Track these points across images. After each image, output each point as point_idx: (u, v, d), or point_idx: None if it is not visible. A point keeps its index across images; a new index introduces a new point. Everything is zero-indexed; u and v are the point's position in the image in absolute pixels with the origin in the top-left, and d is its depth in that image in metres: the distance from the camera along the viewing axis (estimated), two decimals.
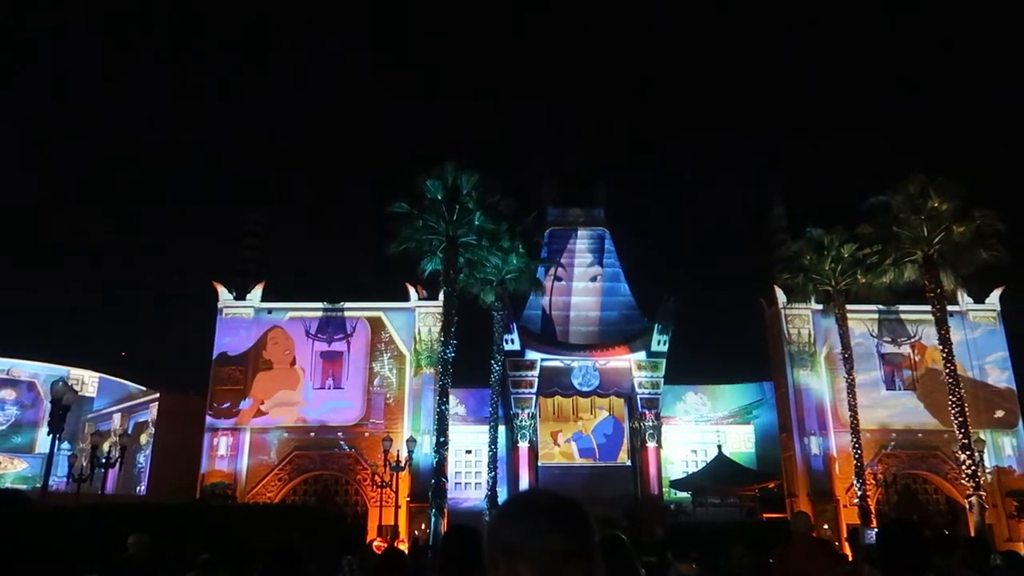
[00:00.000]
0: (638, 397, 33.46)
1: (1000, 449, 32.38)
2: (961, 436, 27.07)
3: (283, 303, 33.94)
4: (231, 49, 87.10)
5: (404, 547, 24.63)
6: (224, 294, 33.67)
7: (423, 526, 28.03)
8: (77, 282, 68.86)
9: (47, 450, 23.28)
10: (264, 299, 33.81)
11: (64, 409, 19.48)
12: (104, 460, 24.61)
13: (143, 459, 35.89)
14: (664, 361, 33.56)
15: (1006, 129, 75.00)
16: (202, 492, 29.85)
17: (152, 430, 35.82)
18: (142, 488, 34.55)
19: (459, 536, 3.52)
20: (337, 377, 33.23)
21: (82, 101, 79.91)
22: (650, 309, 34.71)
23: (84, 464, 26.84)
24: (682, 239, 70.79)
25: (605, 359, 34.02)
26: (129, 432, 33.97)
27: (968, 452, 26.77)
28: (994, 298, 34.38)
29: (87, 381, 39.45)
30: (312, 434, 32.16)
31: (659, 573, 10.05)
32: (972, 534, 26.15)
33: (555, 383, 33.91)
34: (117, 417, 37.98)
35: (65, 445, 34.62)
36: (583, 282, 36.34)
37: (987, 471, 30.29)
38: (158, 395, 36.65)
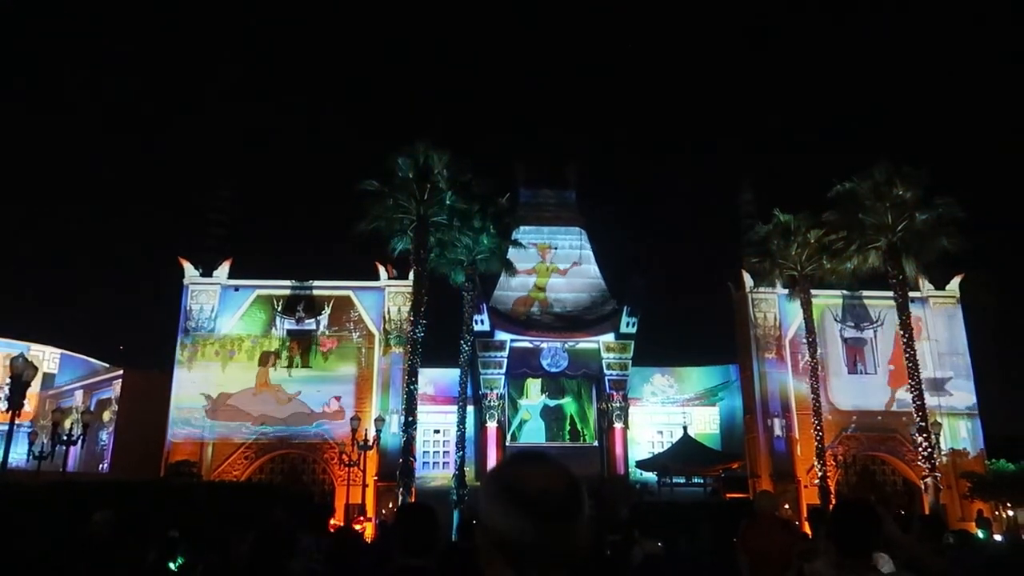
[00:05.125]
0: (606, 378, 33.79)
1: (956, 432, 33.27)
2: (919, 419, 27.79)
3: (250, 280, 33.54)
4: (194, 21, 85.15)
5: (370, 527, 24.69)
6: (190, 270, 33.17)
7: (391, 505, 28.10)
8: (38, 256, 67.32)
9: (6, 427, 22.83)
10: (231, 276, 33.38)
11: (24, 385, 19.09)
12: (66, 437, 24.22)
13: (106, 436, 35.40)
14: (632, 343, 33.91)
15: (967, 118, 76.36)
16: (167, 470, 29.54)
17: (115, 407, 35.29)
18: (105, 466, 34.10)
19: (412, 513, 3.62)
20: (305, 356, 32.99)
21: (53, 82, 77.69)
22: (619, 291, 34.98)
23: (45, 441, 26.39)
24: (652, 222, 71.21)
25: (574, 340, 34.26)
26: (92, 409, 33.42)
27: (925, 435, 27.50)
28: (954, 285, 35.15)
29: (48, 357, 38.69)
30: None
31: (624, 551, 10.18)
32: (927, 514, 26.94)
33: (524, 364, 34.13)
34: (79, 394, 37.35)
35: (25, 422, 33.99)
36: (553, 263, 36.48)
37: (943, 453, 31.15)
38: (121, 372, 36.09)
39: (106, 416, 35.59)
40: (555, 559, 1.40)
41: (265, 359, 32.63)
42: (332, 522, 22.99)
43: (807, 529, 24.93)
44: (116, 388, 35.85)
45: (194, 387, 31.80)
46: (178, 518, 12.28)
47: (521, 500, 1.41)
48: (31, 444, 27.05)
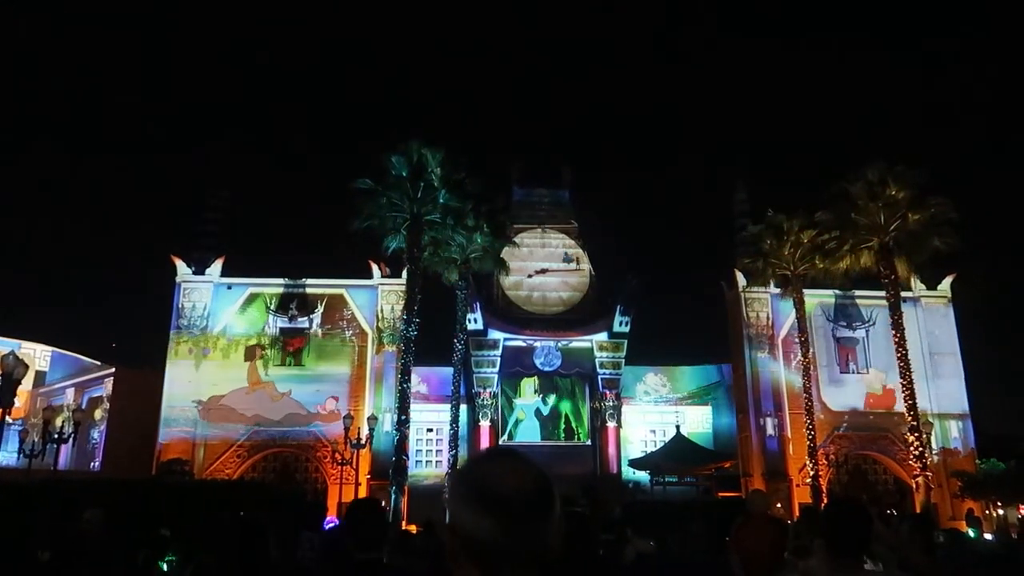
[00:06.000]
0: (599, 377, 33.84)
1: (947, 431, 33.43)
2: (910, 419, 27.90)
3: (243, 279, 33.44)
4: (192, 19, 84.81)
5: None
6: (183, 268, 33.05)
7: (383, 503, 28.07)
8: (29, 253, 66.95)
9: None
10: (224, 274, 33.27)
11: (15, 383, 18.98)
12: (57, 435, 24.08)
13: (97, 435, 35.25)
14: (626, 342, 33.98)
15: (959, 119, 76.65)
16: (158, 468, 29.45)
17: (107, 405, 35.15)
18: (96, 464, 33.97)
19: (360, 508, 3.75)
20: (298, 354, 32.91)
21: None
22: (613, 290, 35.03)
23: (36, 439, 26.23)
24: (646, 222, 71.20)
25: (567, 339, 34.29)
26: (83, 407, 33.27)
27: (916, 434, 27.61)
28: (946, 285, 35.31)
29: (39, 355, 38.50)
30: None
31: (617, 550, 10.17)
32: (918, 513, 27.05)
33: (517, 363, 34.15)
34: (70, 392, 37.18)
35: (16, 420, 33.83)
36: (546, 262, 36.47)
37: (934, 452, 31.30)
38: (113, 370, 35.95)
39: (98, 414, 35.44)
40: (523, 559, 1.37)
41: (251, 353, 32.53)
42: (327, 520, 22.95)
43: None
44: (108, 386, 35.71)
45: (186, 385, 31.69)
46: (169, 517, 12.24)
47: (486, 499, 1.37)
48: (22, 442, 26.90)
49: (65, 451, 29.49)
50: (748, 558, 6.96)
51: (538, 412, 35.12)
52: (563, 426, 35.06)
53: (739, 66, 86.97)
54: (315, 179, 76.36)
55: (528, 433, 34.50)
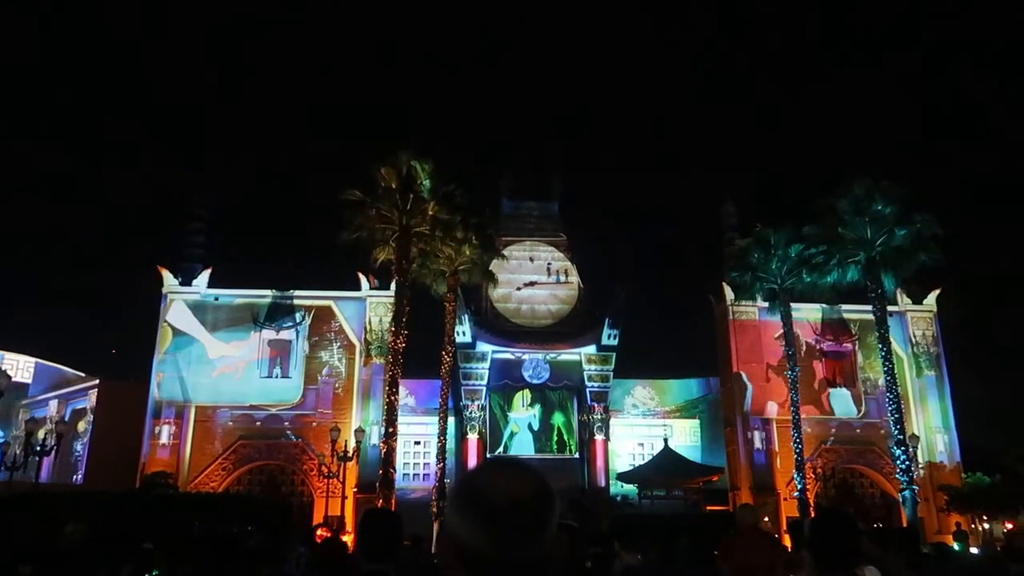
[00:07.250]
0: (587, 390, 33.82)
1: (933, 445, 33.59)
2: (896, 432, 28.03)
3: (231, 289, 33.26)
4: (179, 27, 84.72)
5: (349, 539, 24.45)
6: (169, 279, 32.84)
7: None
8: (12, 263, 66.38)
9: None
10: (211, 285, 33.08)
11: None
12: (39, 448, 23.78)
13: (80, 447, 34.85)
14: (614, 355, 34.00)
15: (943, 134, 77.52)
16: (142, 481, 29.13)
17: (91, 417, 34.78)
18: (79, 477, 33.56)
19: (375, 519, 3.64)
20: (284, 366, 32.73)
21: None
22: (601, 303, 35.09)
23: (17, 452, 25.91)
24: (635, 235, 71.48)
25: (556, 352, 34.28)
26: (66, 419, 32.91)
27: (903, 448, 27.75)
28: (931, 299, 35.59)
29: (22, 366, 38.07)
30: (258, 423, 31.67)
31: (604, 564, 10.14)
32: (904, 527, 27.14)
33: (506, 375, 34.10)
34: (53, 404, 36.75)
35: None
36: (535, 275, 36.50)
37: (920, 466, 31.42)
38: (97, 381, 35.59)
39: (81, 426, 35.06)
40: (514, 570, 1.34)
41: (240, 365, 32.34)
42: (319, 533, 22.77)
43: (786, 542, 25.05)
44: (91, 398, 35.34)
45: (171, 397, 31.41)
46: (153, 531, 12.11)
47: (479, 507, 1.35)
48: (3, 455, 26.53)
49: (47, 464, 29.16)
50: (737, 572, 6.96)
51: (530, 426, 35.03)
52: (555, 439, 34.95)
53: (728, 82, 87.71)
54: (304, 190, 76.28)
55: (522, 446, 34.35)
